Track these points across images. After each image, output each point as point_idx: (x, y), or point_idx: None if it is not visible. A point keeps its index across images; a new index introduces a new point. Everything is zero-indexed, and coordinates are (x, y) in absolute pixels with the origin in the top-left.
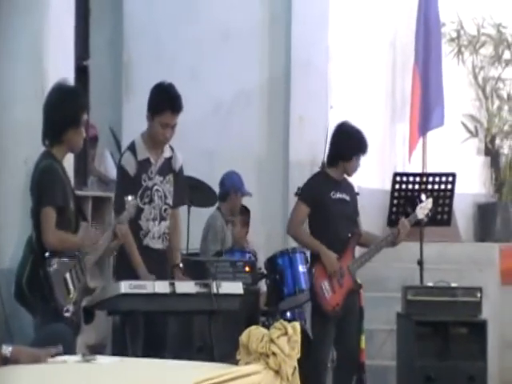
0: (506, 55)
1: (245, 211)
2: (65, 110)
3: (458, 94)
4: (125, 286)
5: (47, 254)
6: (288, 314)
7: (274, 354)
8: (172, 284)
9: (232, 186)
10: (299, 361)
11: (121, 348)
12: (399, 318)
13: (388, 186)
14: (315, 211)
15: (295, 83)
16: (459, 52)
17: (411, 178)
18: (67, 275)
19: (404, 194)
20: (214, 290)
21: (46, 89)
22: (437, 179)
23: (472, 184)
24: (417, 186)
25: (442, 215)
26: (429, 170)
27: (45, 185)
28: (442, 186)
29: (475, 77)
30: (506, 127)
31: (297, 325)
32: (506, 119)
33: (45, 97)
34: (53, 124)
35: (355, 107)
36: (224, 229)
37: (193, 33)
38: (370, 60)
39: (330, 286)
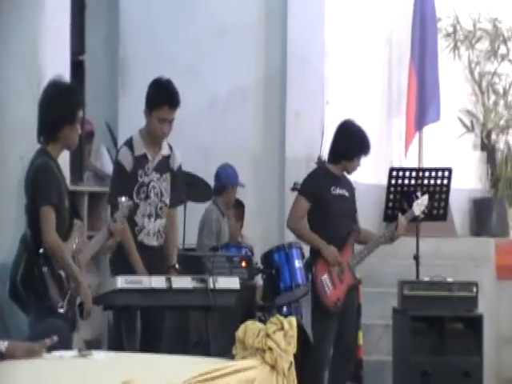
0: (502, 50)
1: (239, 205)
2: (60, 107)
3: (454, 89)
4: (121, 281)
5: (41, 251)
6: (284, 308)
7: (270, 348)
8: (168, 279)
9: (228, 179)
10: (296, 356)
11: (117, 343)
12: (395, 313)
13: (384, 181)
14: (315, 206)
15: (291, 79)
16: (455, 47)
17: (407, 173)
18: (62, 272)
19: (400, 189)
20: (211, 285)
21: (41, 85)
22: (433, 174)
23: (468, 179)
24: (413, 181)
25: (438, 210)
26: (425, 165)
27: (40, 183)
28: (438, 181)
29: (471, 72)
30: (501, 122)
31: (293, 320)
32: (502, 114)
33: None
34: (48, 121)
35: (351, 103)
36: (220, 221)
37: (189, 29)
38: (366, 56)
39: (330, 281)
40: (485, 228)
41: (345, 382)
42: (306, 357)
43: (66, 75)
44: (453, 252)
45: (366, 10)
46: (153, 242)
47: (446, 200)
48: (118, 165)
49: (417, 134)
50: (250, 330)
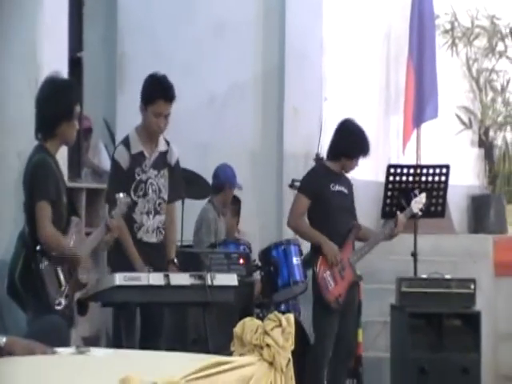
0: (500, 47)
1: (235, 201)
2: (57, 103)
3: (452, 85)
4: (119, 278)
5: (38, 248)
6: (282, 305)
7: (268, 345)
8: (166, 276)
9: (227, 179)
10: (294, 353)
11: (116, 340)
12: (393, 310)
13: (382, 178)
14: (315, 203)
15: (289, 75)
16: (453, 44)
17: (405, 170)
18: (59, 268)
19: (398, 186)
20: (209, 282)
21: (39, 82)
22: (431, 171)
23: (466, 176)
24: (411, 178)
25: (436, 207)
26: (423, 162)
27: (38, 179)
28: (436, 178)
29: (469, 69)
30: (499, 119)
31: (291, 316)
32: (500, 111)
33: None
34: (46, 117)
35: (349, 99)
36: (217, 221)
37: (187, 26)
38: (364, 52)
39: (332, 277)
40: (483, 225)
41: (344, 379)
42: (304, 354)
43: (63, 73)
44: (451, 249)
45: (364, 7)
46: (152, 238)
47: (444, 197)
48: (114, 163)
49: (415, 131)
50: (247, 326)
